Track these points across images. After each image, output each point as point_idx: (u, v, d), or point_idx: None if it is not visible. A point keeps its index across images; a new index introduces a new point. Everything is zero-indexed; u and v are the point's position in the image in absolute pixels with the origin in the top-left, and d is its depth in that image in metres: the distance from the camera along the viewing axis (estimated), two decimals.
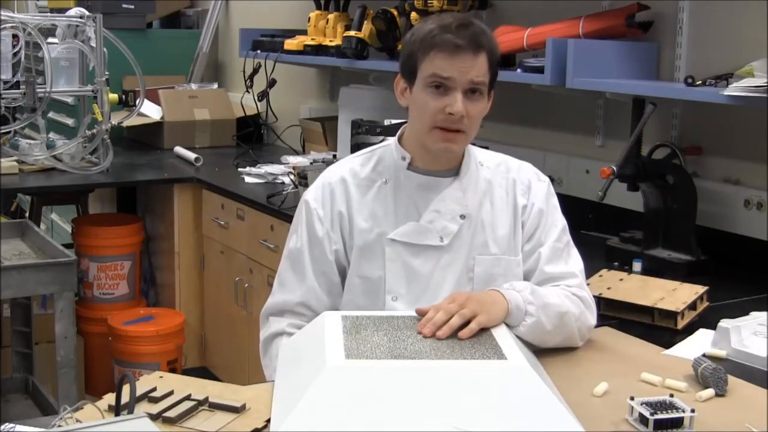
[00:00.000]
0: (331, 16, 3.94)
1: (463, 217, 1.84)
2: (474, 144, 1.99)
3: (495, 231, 1.86)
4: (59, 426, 1.44)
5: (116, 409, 1.47)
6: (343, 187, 1.88)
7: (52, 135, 3.94)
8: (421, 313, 1.65)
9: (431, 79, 1.75)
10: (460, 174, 1.86)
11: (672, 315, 2.05)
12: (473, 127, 1.80)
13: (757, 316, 1.93)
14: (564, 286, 1.84)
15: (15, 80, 3.70)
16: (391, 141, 1.91)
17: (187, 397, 1.57)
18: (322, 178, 1.92)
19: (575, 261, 1.91)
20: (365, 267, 1.85)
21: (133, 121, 4.27)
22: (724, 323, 1.88)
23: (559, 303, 1.78)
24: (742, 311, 2.00)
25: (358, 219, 1.86)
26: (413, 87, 1.80)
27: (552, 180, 3.03)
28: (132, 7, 4.98)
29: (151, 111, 4.53)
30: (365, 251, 1.85)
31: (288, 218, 3.19)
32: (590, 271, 2.02)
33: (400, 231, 1.84)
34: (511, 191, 1.89)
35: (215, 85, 5.08)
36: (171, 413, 1.52)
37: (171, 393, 1.59)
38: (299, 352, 1.63)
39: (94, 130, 3.82)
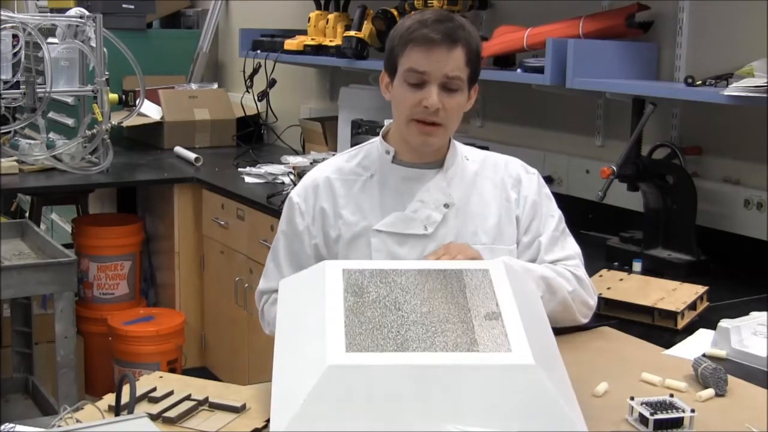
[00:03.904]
0: (331, 16, 3.94)
1: (446, 206, 1.87)
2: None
3: (485, 221, 1.89)
4: (59, 426, 1.44)
5: (116, 409, 1.47)
6: (328, 184, 1.93)
7: (52, 135, 3.94)
8: None
9: (408, 73, 1.79)
10: (444, 165, 1.89)
11: (672, 315, 2.05)
12: (452, 120, 1.83)
13: (757, 316, 1.93)
14: (562, 265, 1.89)
15: (15, 80, 3.70)
16: (376, 138, 1.96)
17: (187, 397, 1.57)
18: (308, 176, 1.97)
19: (572, 245, 1.95)
20: (353, 259, 1.89)
21: (133, 121, 4.27)
22: (724, 323, 1.88)
23: (542, 269, 1.84)
24: (742, 311, 2.00)
25: (345, 213, 1.90)
26: (394, 81, 1.84)
27: (552, 180, 3.09)
28: (132, 7, 4.98)
29: (151, 111, 4.53)
30: (352, 244, 1.89)
31: None
32: (590, 271, 2.02)
33: (385, 221, 1.87)
34: (500, 185, 1.93)
35: (215, 85, 5.08)
36: (171, 413, 1.52)
37: (171, 393, 1.59)
38: (298, 317, 1.56)
39: (94, 130, 3.83)
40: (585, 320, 1.92)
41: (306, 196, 1.93)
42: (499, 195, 1.91)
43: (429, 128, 1.80)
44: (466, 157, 1.95)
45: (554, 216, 1.94)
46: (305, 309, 1.55)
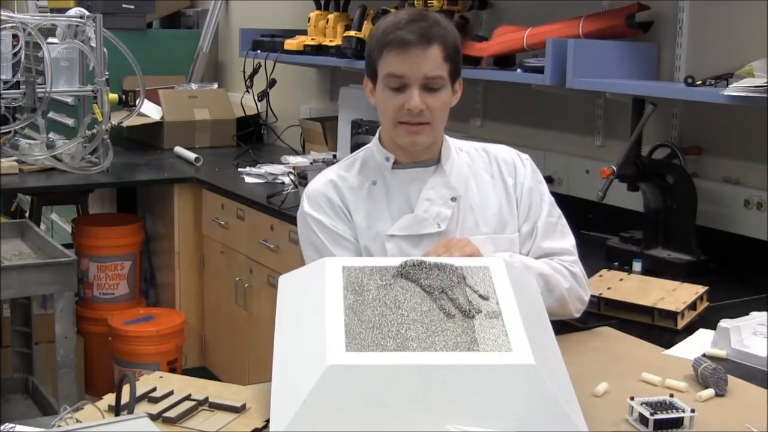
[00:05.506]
0: (331, 16, 3.94)
1: (453, 199, 1.88)
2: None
3: (484, 211, 1.90)
4: (59, 426, 1.44)
5: (116, 409, 1.47)
6: (334, 188, 1.92)
7: (52, 135, 3.94)
8: None
9: (388, 78, 1.80)
10: (441, 160, 1.90)
11: (672, 315, 2.05)
12: (438, 118, 1.83)
13: (757, 316, 1.93)
14: (558, 261, 1.89)
15: (15, 80, 3.70)
16: (371, 144, 1.95)
17: (187, 397, 1.57)
18: (310, 188, 1.94)
19: (569, 237, 1.96)
20: None
21: (133, 121, 4.27)
22: (724, 323, 1.88)
23: (540, 266, 1.84)
24: (742, 311, 2.00)
25: (357, 217, 1.90)
26: (376, 87, 1.85)
27: (552, 180, 3.09)
28: (132, 7, 4.98)
29: (151, 111, 4.53)
30: (365, 251, 1.89)
31: (287, 218, 3.19)
32: (590, 271, 2.02)
33: (398, 225, 1.87)
34: (497, 173, 1.94)
35: (215, 85, 5.08)
36: (171, 413, 1.52)
37: (171, 393, 1.59)
38: (298, 315, 1.56)
39: (94, 130, 3.83)
40: (578, 315, 1.93)
41: (321, 204, 1.91)
42: (497, 183, 1.93)
43: (416, 128, 1.81)
44: (460, 148, 1.96)
45: (546, 200, 1.95)
46: (305, 307, 1.55)
